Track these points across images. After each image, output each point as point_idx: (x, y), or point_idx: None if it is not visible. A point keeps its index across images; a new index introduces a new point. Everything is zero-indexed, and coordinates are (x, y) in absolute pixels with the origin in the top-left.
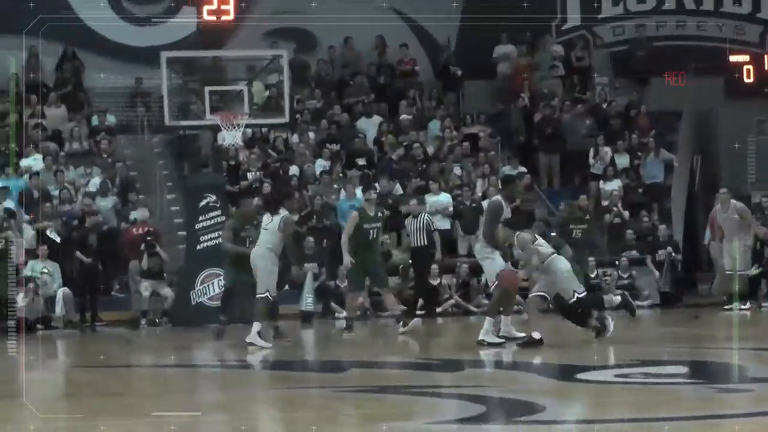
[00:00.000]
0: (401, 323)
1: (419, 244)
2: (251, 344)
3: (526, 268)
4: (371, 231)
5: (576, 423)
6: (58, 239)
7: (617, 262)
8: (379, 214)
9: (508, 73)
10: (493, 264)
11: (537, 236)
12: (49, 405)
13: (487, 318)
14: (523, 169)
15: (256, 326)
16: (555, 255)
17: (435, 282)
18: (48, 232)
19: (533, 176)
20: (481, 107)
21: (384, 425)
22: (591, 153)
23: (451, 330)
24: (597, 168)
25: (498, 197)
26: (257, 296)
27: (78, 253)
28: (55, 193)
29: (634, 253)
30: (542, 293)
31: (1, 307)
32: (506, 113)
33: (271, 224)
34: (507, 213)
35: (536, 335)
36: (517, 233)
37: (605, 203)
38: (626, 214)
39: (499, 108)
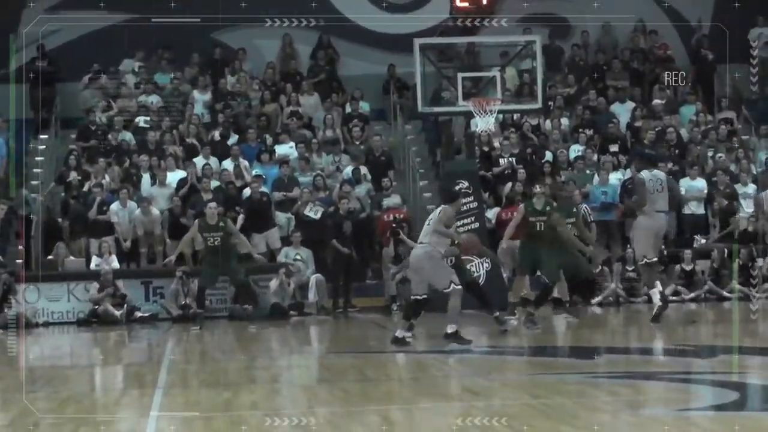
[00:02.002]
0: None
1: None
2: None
3: None
4: (537, 224)
5: None
6: (317, 216)
7: None
8: (547, 208)
9: (765, 57)
10: None
11: None
12: (305, 390)
13: None
14: None
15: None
16: None
17: (689, 268)
18: (307, 211)
19: None
20: (737, 91)
21: (638, 412)
22: None
23: (705, 316)
24: None
25: None
26: None
27: (334, 242)
28: (303, 179)
29: None
30: None
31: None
32: (763, 97)
33: None
34: None
35: None
36: None
37: None
38: None
39: (756, 92)
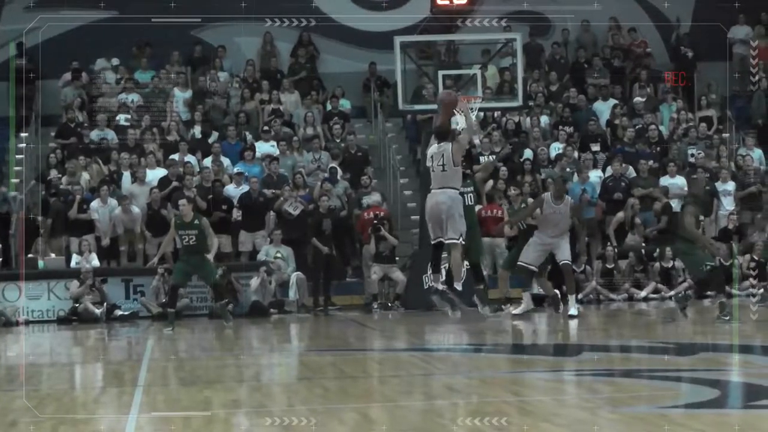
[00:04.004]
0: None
1: None
2: None
3: None
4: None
5: None
6: (296, 212)
7: None
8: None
9: (745, 55)
10: None
11: None
12: (285, 388)
13: None
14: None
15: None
16: None
17: (668, 265)
18: (287, 206)
19: None
20: (717, 89)
21: (619, 409)
22: None
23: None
24: None
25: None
26: None
27: (315, 241)
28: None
29: None
30: None
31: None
32: (742, 95)
33: None
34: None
35: None
36: None
37: None
38: None
39: (735, 90)
